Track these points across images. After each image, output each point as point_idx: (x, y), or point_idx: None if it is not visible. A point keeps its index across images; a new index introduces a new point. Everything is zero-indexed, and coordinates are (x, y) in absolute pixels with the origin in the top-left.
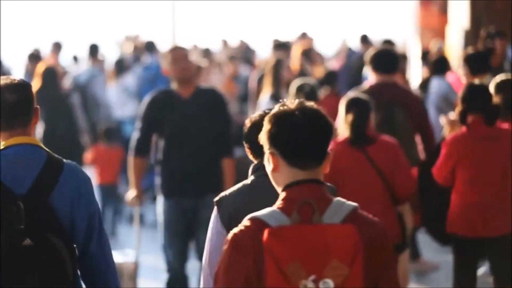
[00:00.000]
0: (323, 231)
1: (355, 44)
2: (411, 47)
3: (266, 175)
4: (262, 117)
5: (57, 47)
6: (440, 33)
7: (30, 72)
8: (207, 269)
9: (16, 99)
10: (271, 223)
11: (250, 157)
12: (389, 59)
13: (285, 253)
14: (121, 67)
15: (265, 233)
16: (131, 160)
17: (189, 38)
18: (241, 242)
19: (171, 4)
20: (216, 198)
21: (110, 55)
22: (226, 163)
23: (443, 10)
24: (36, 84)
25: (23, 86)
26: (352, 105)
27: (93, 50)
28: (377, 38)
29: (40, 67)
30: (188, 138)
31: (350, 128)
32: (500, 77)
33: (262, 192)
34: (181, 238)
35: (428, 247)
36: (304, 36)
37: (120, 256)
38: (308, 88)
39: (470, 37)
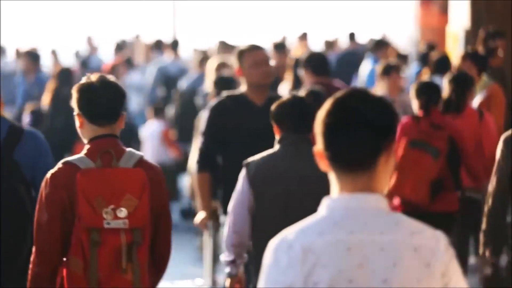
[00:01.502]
0: (119, 172)
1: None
2: (411, 46)
3: (289, 145)
4: (288, 99)
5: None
6: (440, 33)
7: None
8: (232, 216)
9: None
10: (81, 166)
11: (277, 131)
12: (322, 61)
13: (92, 189)
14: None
15: (78, 174)
16: (195, 177)
17: (189, 38)
18: (58, 180)
19: (172, 4)
20: (245, 161)
21: (110, 55)
22: None
23: (443, 10)
24: (52, 84)
25: None
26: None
27: (175, 44)
28: (377, 37)
29: (57, 68)
30: (258, 151)
31: None
32: (421, 81)
33: (284, 158)
34: None
35: None
36: (305, 36)
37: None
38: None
39: (470, 37)
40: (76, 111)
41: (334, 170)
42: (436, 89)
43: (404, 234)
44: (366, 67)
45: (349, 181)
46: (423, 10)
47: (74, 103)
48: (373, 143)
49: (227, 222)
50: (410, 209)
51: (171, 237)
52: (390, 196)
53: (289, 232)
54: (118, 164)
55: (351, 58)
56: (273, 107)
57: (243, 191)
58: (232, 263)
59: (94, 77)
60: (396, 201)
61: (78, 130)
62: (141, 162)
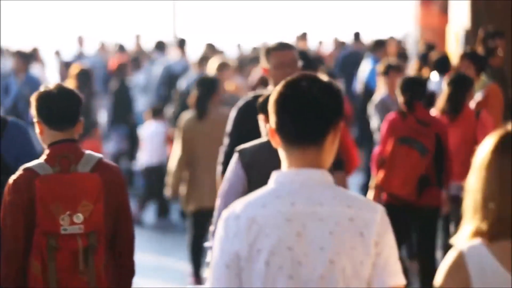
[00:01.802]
0: (76, 178)
1: (349, 42)
2: (411, 46)
3: None
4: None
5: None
6: (440, 33)
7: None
8: (222, 200)
9: None
10: (40, 172)
11: (264, 124)
12: (304, 60)
13: (49, 195)
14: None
15: (37, 181)
16: (219, 179)
17: (189, 38)
18: (19, 185)
19: (172, 4)
20: (238, 148)
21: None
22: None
23: (443, 10)
24: (70, 85)
25: None
26: None
27: (182, 43)
28: (377, 37)
29: (75, 69)
30: None
31: None
32: (405, 77)
33: (273, 149)
34: None
35: None
36: (304, 36)
37: None
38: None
39: (470, 37)
40: (35, 118)
41: (284, 146)
42: (421, 84)
43: (343, 206)
44: (365, 66)
45: (298, 156)
46: (423, 10)
47: (33, 111)
48: (321, 121)
49: (217, 207)
50: (398, 203)
51: (133, 236)
52: (378, 190)
53: (238, 205)
54: (76, 168)
55: (356, 58)
56: (260, 99)
57: (237, 176)
58: None
59: (52, 85)
60: (384, 195)
61: (38, 136)
62: (99, 164)
